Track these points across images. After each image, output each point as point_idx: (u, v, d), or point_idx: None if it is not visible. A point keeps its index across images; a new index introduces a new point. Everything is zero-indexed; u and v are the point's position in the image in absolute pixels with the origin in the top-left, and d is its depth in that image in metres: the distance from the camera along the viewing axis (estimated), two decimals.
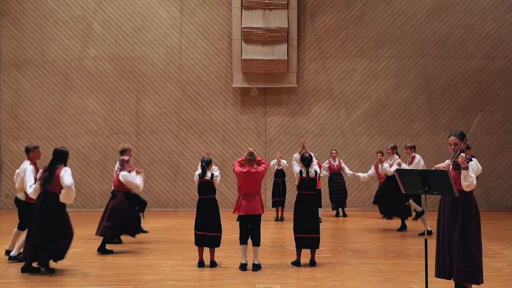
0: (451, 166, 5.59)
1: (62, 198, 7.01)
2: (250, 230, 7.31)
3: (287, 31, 15.28)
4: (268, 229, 11.37)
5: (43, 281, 6.70)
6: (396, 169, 5.62)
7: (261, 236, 7.38)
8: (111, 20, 15.88)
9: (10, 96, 15.93)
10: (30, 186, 7.44)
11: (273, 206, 13.32)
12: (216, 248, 7.62)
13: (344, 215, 13.84)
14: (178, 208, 15.58)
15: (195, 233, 7.58)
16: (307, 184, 7.60)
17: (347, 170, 13.25)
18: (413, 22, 15.72)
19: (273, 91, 15.70)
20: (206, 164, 7.65)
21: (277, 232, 11.27)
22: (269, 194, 14.35)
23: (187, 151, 15.66)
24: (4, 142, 15.90)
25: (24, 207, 7.82)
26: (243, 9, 15.31)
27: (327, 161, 13.60)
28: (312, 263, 7.55)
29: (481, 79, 15.60)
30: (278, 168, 13.03)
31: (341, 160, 13.73)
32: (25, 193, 7.70)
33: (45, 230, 6.99)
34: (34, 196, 7.33)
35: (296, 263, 7.56)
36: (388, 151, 11.23)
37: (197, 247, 7.65)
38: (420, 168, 10.16)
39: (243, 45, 15.29)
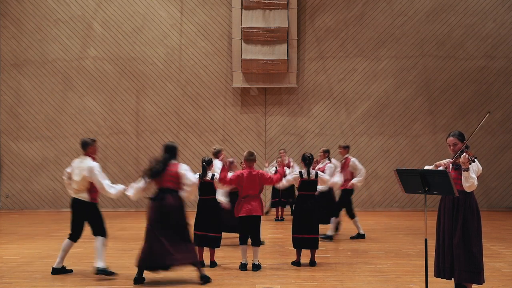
0: (451, 166, 5.58)
1: (187, 195, 6.70)
2: (249, 230, 7.31)
3: (287, 31, 15.28)
4: (268, 229, 11.36)
5: (43, 281, 6.70)
6: (396, 169, 5.60)
7: (261, 237, 7.38)
8: (111, 20, 15.88)
9: (10, 96, 15.93)
10: (111, 186, 6.92)
11: (272, 206, 13.29)
12: (216, 248, 7.62)
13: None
14: None
15: (194, 233, 7.56)
16: (308, 185, 7.60)
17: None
18: (413, 22, 15.71)
19: (273, 91, 15.69)
20: (207, 164, 7.64)
21: (277, 232, 11.27)
22: (269, 195, 14.34)
23: (187, 151, 15.66)
24: (4, 142, 15.90)
25: (87, 209, 6.99)
26: (243, 9, 15.31)
27: (274, 161, 13.25)
28: (312, 263, 7.55)
29: (481, 79, 15.60)
30: (278, 168, 12.95)
31: (291, 159, 12.68)
32: (89, 193, 6.95)
33: (176, 230, 6.51)
34: (115, 196, 6.98)
35: (296, 263, 7.56)
36: (319, 154, 10.83)
37: (197, 247, 7.64)
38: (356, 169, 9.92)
39: (243, 45, 15.28)
